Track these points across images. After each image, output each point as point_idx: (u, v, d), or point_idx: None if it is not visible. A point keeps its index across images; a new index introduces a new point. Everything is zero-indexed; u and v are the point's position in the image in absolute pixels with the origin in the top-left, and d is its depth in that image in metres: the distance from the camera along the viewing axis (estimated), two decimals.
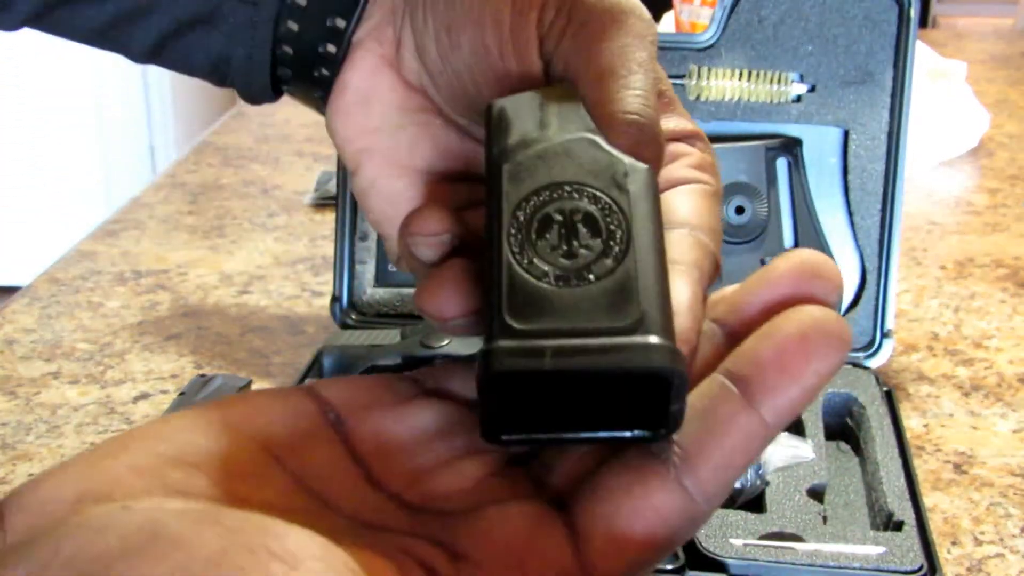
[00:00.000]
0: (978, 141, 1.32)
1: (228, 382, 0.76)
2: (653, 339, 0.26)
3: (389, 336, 0.77)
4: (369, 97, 0.38)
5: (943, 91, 1.27)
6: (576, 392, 0.27)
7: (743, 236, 0.77)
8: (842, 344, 0.27)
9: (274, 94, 0.41)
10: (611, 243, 0.29)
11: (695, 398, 0.27)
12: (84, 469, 0.25)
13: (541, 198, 0.30)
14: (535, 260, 0.28)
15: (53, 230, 2.72)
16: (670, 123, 0.36)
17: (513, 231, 0.29)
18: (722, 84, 0.77)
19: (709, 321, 0.30)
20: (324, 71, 0.39)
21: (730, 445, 0.26)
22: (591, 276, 0.28)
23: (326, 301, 0.89)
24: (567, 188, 0.30)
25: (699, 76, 0.77)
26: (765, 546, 0.58)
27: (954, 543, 0.64)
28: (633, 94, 0.32)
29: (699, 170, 0.35)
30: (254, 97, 0.41)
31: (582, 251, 0.29)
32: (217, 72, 0.41)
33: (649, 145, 0.31)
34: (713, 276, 0.33)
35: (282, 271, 1.01)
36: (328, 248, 1.04)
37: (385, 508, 0.29)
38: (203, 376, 0.76)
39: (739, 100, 0.77)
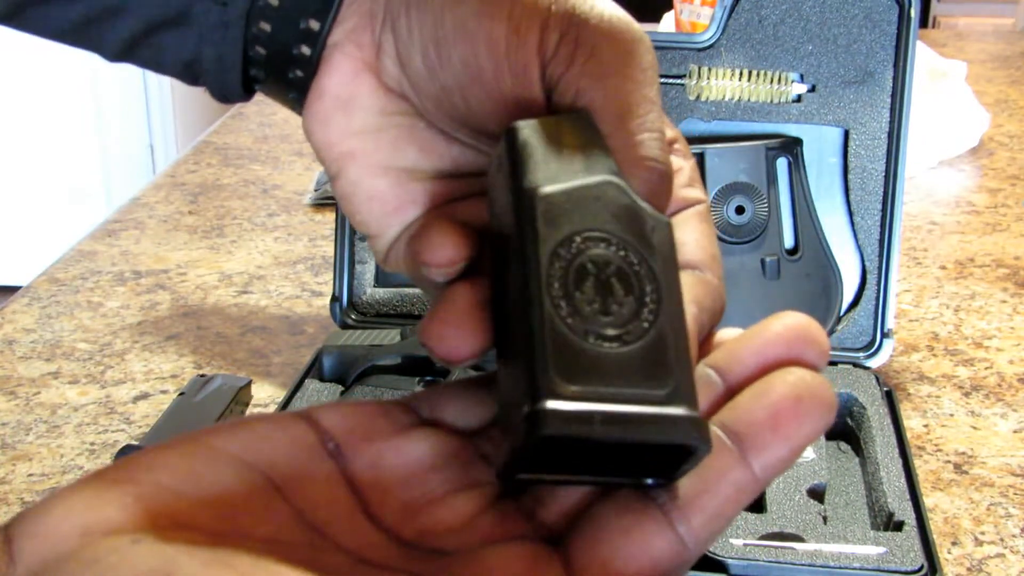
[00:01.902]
0: (978, 141, 1.32)
1: (228, 382, 0.76)
2: (684, 411, 0.28)
3: (389, 336, 0.77)
4: (349, 102, 0.37)
5: (943, 91, 1.27)
6: (606, 450, 0.28)
7: (743, 236, 0.77)
8: (830, 409, 0.28)
9: (246, 93, 0.41)
10: (643, 301, 0.29)
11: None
12: (91, 497, 0.25)
13: (575, 246, 0.30)
14: (576, 316, 0.29)
15: (53, 230, 2.72)
16: None
17: (551, 280, 0.29)
18: (722, 84, 0.77)
19: (708, 368, 0.31)
20: (298, 72, 0.38)
21: (723, 497, 0.28)
22: (628, 337, 0.29)
23: (326, 301, 0.89)
24: (599, 236, 0.30)
25: (699, 76, 0.77)
26: (765, 546, 0.58)
27: (954, 543, 0.64)
28: (652, 138, 0.32)
29: (691, 186, 0.36)
30: (226, 96, 0.41)
31: (617, 308, 0.29)
32: (189, 71, 0.40)
33: (664, 193, 0.32)
34: (718, 313, 0.33)
35: (282, 271, 1.01)
36: (328, 248, 1.04)
37: (382, 544, 0.29)
38: (203, 376, 0.76)
39: (739, 100, 0.77)
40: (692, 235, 0.34)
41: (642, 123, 0.33)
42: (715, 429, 0.28)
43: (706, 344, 0.32)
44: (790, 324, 0.30)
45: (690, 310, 0.32)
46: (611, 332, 0.28)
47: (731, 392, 0.29)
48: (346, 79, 0.37)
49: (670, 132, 0.36)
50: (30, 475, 0.71)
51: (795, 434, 0.27)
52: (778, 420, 0.27)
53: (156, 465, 0.27)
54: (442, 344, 0.31)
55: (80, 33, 0.40)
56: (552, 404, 0.27)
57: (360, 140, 0.37)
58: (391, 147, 0.37)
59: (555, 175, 0.31)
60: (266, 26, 0.38)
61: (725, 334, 0.32)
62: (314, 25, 0.37)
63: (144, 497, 0.25)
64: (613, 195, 0.31)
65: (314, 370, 0.77)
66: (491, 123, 0.36)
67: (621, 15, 0.34)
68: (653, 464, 0.28)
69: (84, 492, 0.25)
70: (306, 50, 0.37)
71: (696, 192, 0.35)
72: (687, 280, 0.33)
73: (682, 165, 0.36)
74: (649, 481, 0.28)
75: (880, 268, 0.77)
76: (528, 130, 0.32)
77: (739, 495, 0.28)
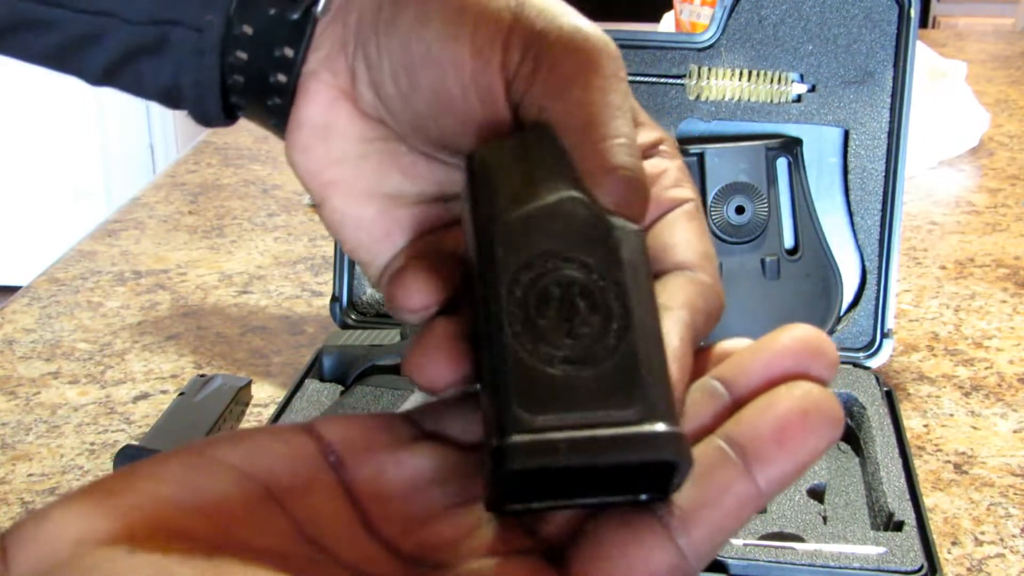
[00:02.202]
0: (978, 141, 1.32)
1: (228, 382, 0.76)
2: (660, 427, 0.27)
3: (389, 336, 0.77)
4: (328, 131, 0.37)
5: (943, 91, 1.27)
6: (586, 475, 0.28)
7: (743, 236, 0.77)
8: (836, 425, 0.28)
9: (228, 118, 0.41)
10: (610, 319, 0.29)
11: (695, 457, 0.28)
12: (88, 507, 0.25)
13: (537, 271, 0.29)
14: (539, 343, 0.28)
15: (53, 230, 2.72)
16: (640, 138, 0.35)
17: (512, 308, 0.29)
18: (722, 84, 0.77)
19: (714, 380, 0.30)
20: (277, 100, 0.38)
21: (726, 510, 0.27)
22: (595, 358, 0.28)
23: (326, 301, 0.89)
24: (562, 258, 0.29)
25: (699, 76, 0.77)
26: (765, 546, 0.58)
27: (954, 543, 0.64)
28: (618, 144, 0.32)
29: (677, 186, 0.35)
30: (207, 121, 0.41)
31: (583, 329, 0.28)
32: (169, 97, 0.41)
33: (636, 199, 0.32)
34: (714, 313, 0.33)
35: (282, 271, 1.01)
36: (328, 248, 1.04)
37: (381, 558, 0.29)
38: (203, 376, 0.76)
39: (739, 100, 0.77)
40: (682, 235, 0.34)
41: (606, 132, 0.32)
42: (719, 442, 0.28)
43: (708, 352, 0.32)
44: (799, 336, 0.29)
45: (680, 315, 0.31)
46: (577, 355, 0.28)
47: (737, 404, 0.29)
48: (323, 108, 0.37)
49: (655, 134, 0.36)
50: (30, 475, 0.71)
51: (801, 449, 0.27)
52: (784, 434, 0.27)
53: (154, 475, 0.27)
54: (422, 374, 0.31)
55: (60, 59, 0.41)
56: (516, 438, 0.27)
57: (342, 169, 0.37)
58: (374, 174, 0.37)
59: (515, 198, 0.30)
60: (242, 54, 0.38)
61: (731, 344, 0.32)
62: (288, 52, 0.37)
63: (141, 507, 0.25)
64: (576, 211, 0.30)
65: (314, 370, 0.77)
66: (466, 145, 0.36)
67: (583, 25, 0.34)
68: (640, 482, 0.28)
69: (80, 502, 0.25)
70: (282, 77, 0.37)
71: (683, 191, 0.35)
72: (679, 282, 0.33)
73: (667, 166, 0.35)
74: (643, 497, 0.28)
75: (880, 268, 0.77)
76: (487, 154, 0.32)
77: (742, 509, 0.27)
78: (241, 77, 0.38)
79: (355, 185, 0.37)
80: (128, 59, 0.40)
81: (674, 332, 0.31)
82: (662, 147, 0.36)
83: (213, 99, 0.39)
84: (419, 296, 0.33)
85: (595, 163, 0.32)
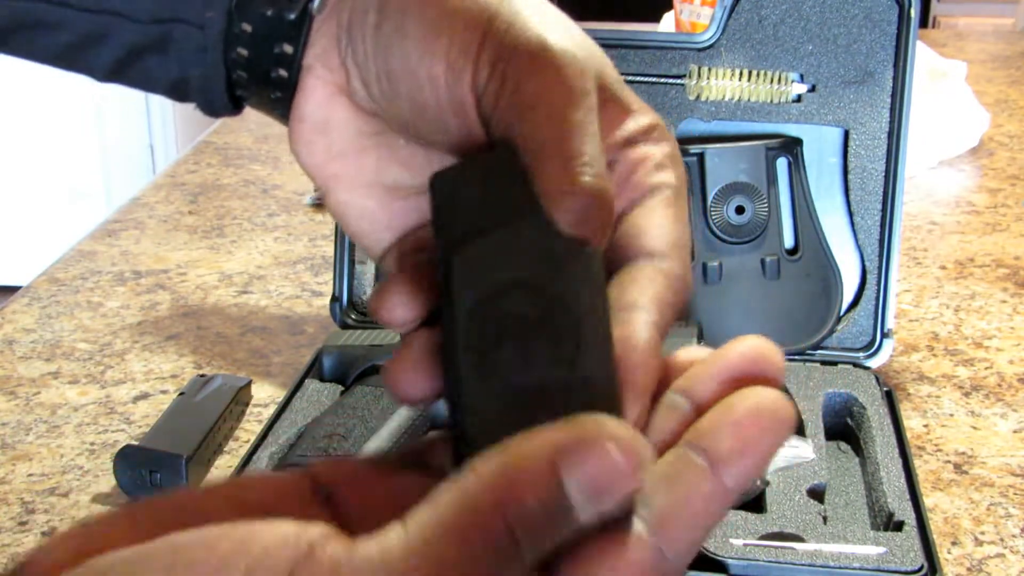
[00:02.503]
0: (978, 141, 1.32)
1: (228, 382, 0.76)
2: None
3: (389, 336, 0.77)
4: (327, 125, 0.38)
5: (943, 91, 1.27)
6: None
7: (743, 236, 0.77)
8: (788, 424, 0.30)
9: (235, 109, 0.42)
10: (563, 348, 0.30)
11: (663, 466, 0.29)
12: (86, 532, 0.27)
13: (491, 304, 0.30)
14: (494, 376, 0.29)
15: (53, 230, 2.72)
16: (628, 126, 0.35)
17: (469, 342, 0.30)
18: (722, 84, 0.77)
19: (675, 394, 0.32)
20: (279, 94, 0.39)
21: (697, 508, 0.29)
22: (547, 388, 0.29)
23: (326, 301, 0.89)
24: (517, 285, 0.30)
25: (699, 76, 0.77)
26: (765, 546, 0.58)
27: (954, 543, 0.64)
28: (578, 163, 0.32)
29: (659, 170, 0.35)
30: (215, 112, 0.42)
31: (536, 360, 0.29)
32: (176, 91, 0.42)
33: (594, 219, 0.32)
34: (680, 304, 0.34)
35: (282, 271, 1.01)
36: (328, 248, 1.04)
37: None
38: (203, 376, 0.77)
39: (739, 100, 0.77)
40: (656, 221, 0.34)
41: (564, 152, 0.32)
42: (684, 448, 0.29)
43: (669, 361, 0.33)
44: (751, 345, 0.31)
45: (648, 315, 0.32)
46: (530, 385, 0.29)
47: (698, 411, 0.31)
48: (321, 102, 0.38)
49: (646, 120, 0.36)
50: (30, 475, 0.71)
51: (758, 447, 0.29)
52: (742, 435, 0.29)
53: (149, 507, 0.28)
54: (396, 387, 0.33)
55: (68, 58, 0.42)
56: None
57: (342, 163, 0.38)
58: (374, 167, 0.38)
59: (472, 226, 0.31)
60: (243, 51, 0.39)
61: (688, 354, 0.33)
62: (288, 49, 0.38)
63: (135, 535, 0.27)
64: (532, 237, 0.31)
65: (314, 370, 0.77)
66: (447, 152, 0.37)
67: (551, 39, 0.34)
68: None
69: (80, 531, 0.27)
70: (283, 73, 0.39)
71: (665, 176, 0.35)
72: (647, 274, 0.33)
73: (652, 151, 0.35)
74: None
75: (880, 268, 0.77)
76: (449, 179, 0.32)
77: (711, 505, 0.29)
78: (244, 72, 0.39)
79: (357, 179, 0.38)
80: (134, 57, 0.41)
81: (643, 334, 0.32)
82: (655, 133, 0.36)
83: (219, 92, 0.40)
84: (400, 310, 0.34)
85: (552, 184, 0.32)
